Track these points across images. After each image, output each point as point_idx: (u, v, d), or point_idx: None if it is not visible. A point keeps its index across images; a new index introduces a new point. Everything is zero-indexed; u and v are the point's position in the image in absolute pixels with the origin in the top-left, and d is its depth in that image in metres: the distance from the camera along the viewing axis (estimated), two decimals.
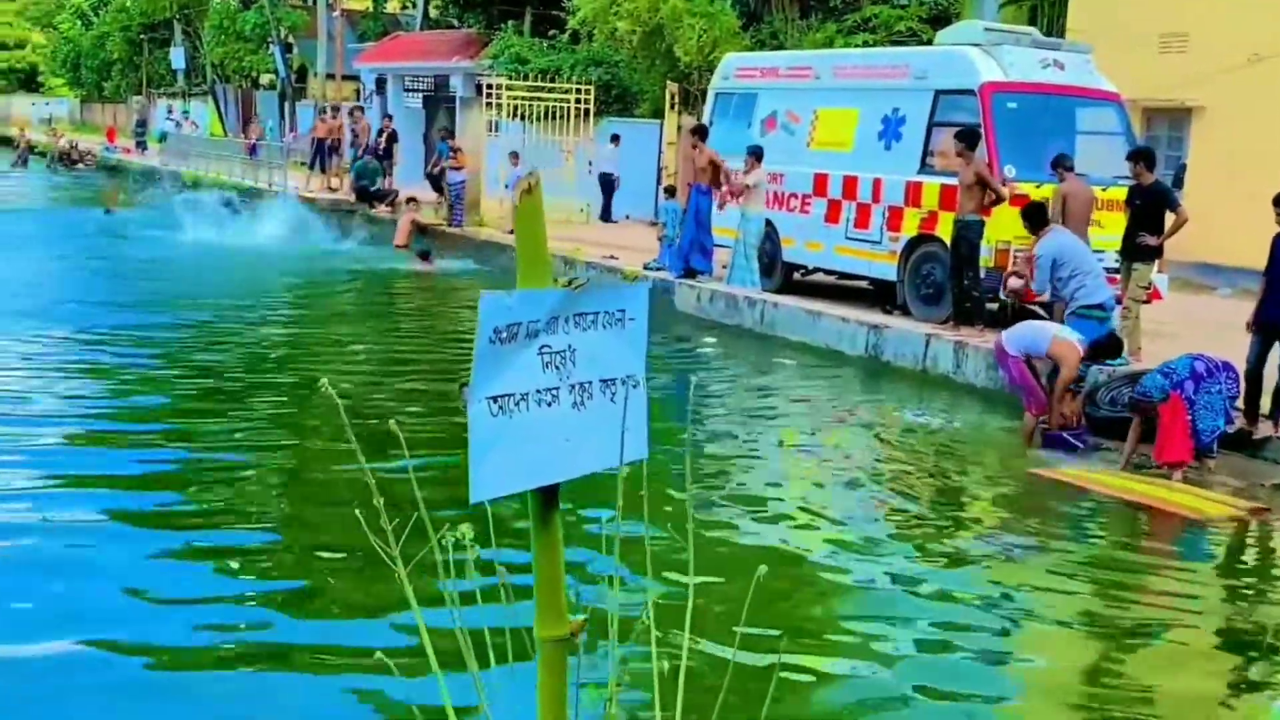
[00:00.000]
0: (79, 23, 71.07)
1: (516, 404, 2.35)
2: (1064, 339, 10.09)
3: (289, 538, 7.29)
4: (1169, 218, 11.98)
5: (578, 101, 24.99)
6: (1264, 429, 9.69)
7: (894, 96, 14.66)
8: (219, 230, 24.21)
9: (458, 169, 23.74)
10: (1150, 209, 12.00)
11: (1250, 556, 8.29)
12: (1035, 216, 11.47)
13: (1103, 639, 6.33)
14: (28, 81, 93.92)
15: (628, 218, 25.47)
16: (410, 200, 23.12)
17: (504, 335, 2.32)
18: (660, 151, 24.72)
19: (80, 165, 46.98)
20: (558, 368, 2.41)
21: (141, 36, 59.79)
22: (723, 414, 11.15)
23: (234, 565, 6.71)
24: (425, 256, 21.68)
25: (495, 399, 2.31)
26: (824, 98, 15.82)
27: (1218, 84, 17.04)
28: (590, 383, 2.47)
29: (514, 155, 23.20)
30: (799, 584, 6.76)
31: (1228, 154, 16.52)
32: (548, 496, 2.43)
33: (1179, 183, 15.50)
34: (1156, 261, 12.34)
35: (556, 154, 24.62)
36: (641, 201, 25.57)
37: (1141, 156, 12.16)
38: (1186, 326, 12.71)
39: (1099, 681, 5.85)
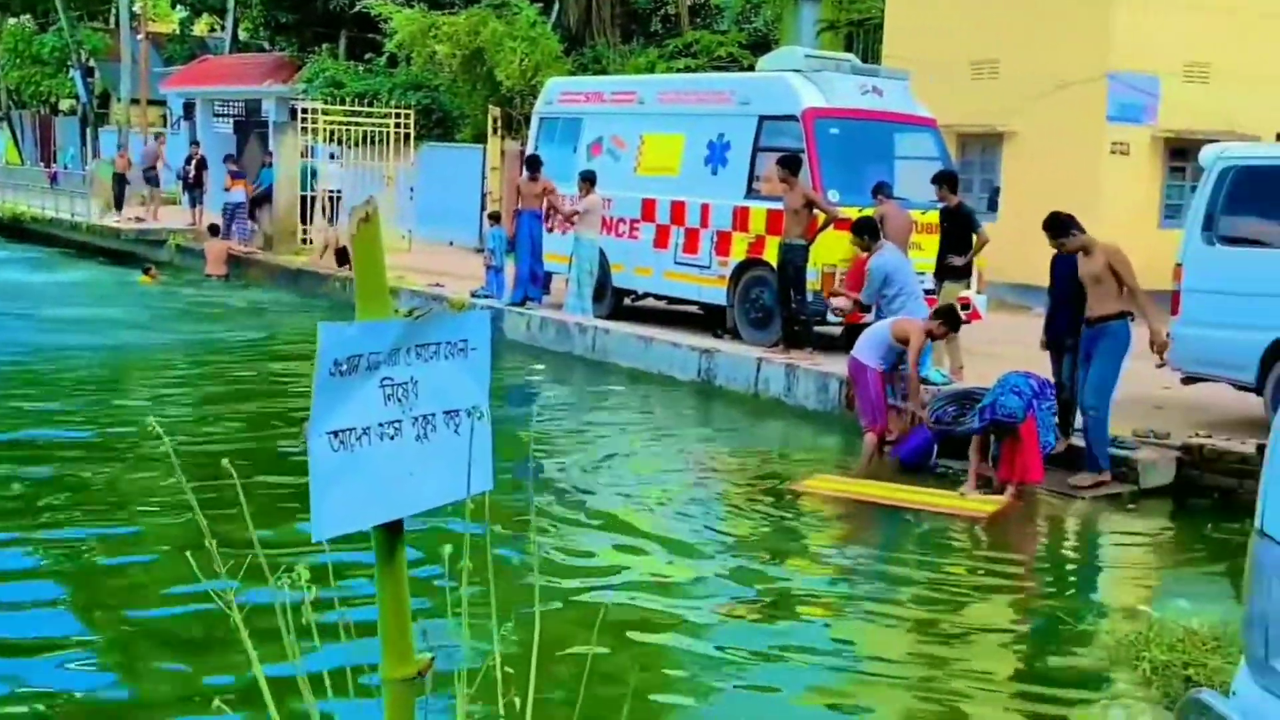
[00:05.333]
0: None
1: (358, 438, 2.27)
2: (902, 319, 10.26)
3: (112, 585, 6.79)
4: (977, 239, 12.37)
5: (397, 126, 24.53)
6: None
7: (719, 122, 14.71)
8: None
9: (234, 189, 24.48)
10: (956, 230, 12.38)
11: (1038, 551, 8.75)
12: (870, 230, 11.62)
13: (927, 646, 6.30)
14: None
15: (451, 244, 25.08)
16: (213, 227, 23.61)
17: (344, 368, 2.23)
18: (484, 177, 24.41)
19: None
20: (400, 400, 2.35)
21: None
22: (555, 442, 10.91)
23: (52, 617, 6.22)
24: (147, 271, 22.48)
25: (336, 434, 2.24)
26: (649, 123, 15.79)
27: (1027, 109, 17.62)
28: (434, 415, 2.42)
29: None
30: (636, 614, 6.56)
31: (1038, 177, 17.05)
32: (392, 532, 2.35)
33: (994, 205, 15.97)
34: (968, 280, 12.71)
35: (377, 180, 24.10)
36: (465, 227, 25.20)
37: (945, 179, 12.50)
38: (1007, 346, 13.00)
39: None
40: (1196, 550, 8.45)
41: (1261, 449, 3.15)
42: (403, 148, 24.64)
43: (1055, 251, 9.77)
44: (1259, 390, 10.03)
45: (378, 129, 24.47)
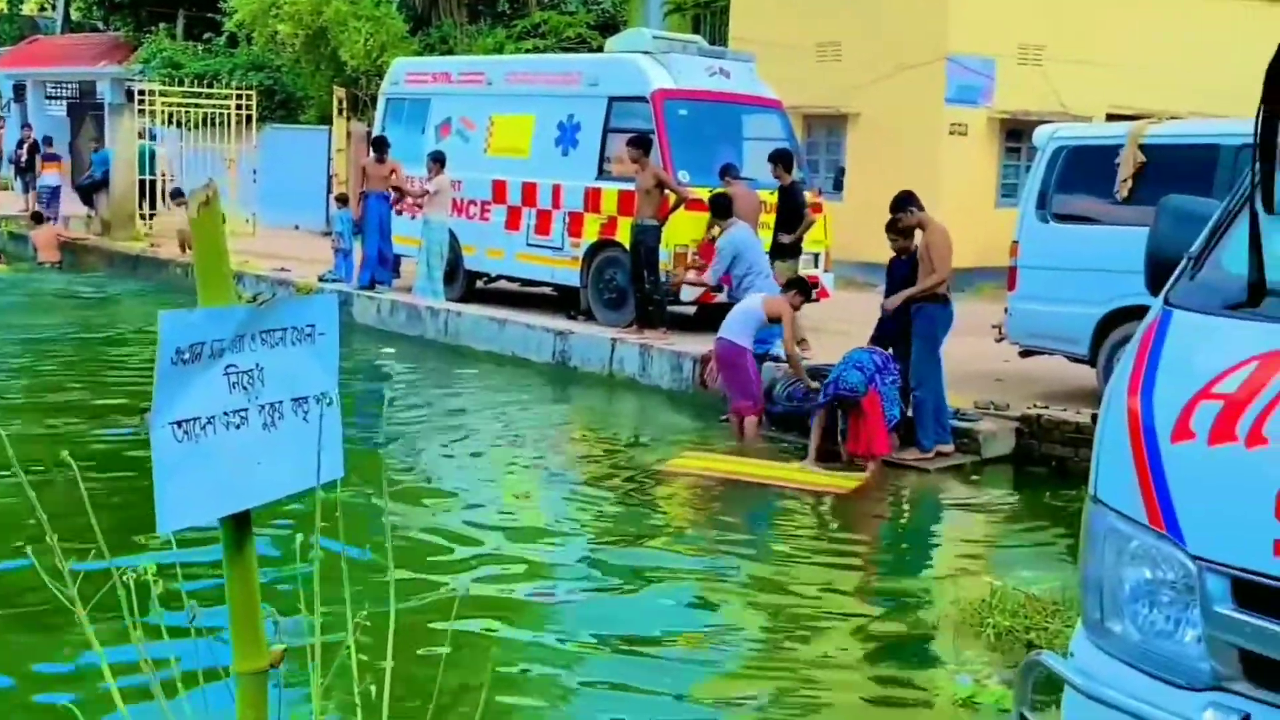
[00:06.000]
0: None
1: (203, 428, 2.24)
2: (768, 296, 10.42)
3: None
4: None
5: (239, 108, 23.90)
6: None
7: (569, 103, 14.67)
8: None
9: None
10: (789, 208, 12.62)
11: (886, 523, 8.94)
12: (723, 206, 11.70)
13: (771, 624, 6.42)
14: None
15: (297, 228, 24.55)
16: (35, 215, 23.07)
17: (186, 355, 2.19)
18: (329, 159, 23.92)
19: None
20: (246, 388, 2.32)
21: None
22: (406, 428, 10.78)
23: None
24: None
25: (180, 423, 2.20)
26: (499, 104, 15.67)
27: (870, 91, 17.96)
28: (281, 402, 2.40)
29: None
30: (494, 591, 6.55)
31: (881, 157, 17.40)
32: (240, 523, 2.33)
33: (839, 185, 16.28)
34: (799, 258, 12.91)
35: (218, 163, 23.46)
36: (311, 211, 24.68)
37: (779, 158, 12.77)
38: (853, 324, 13.26)
39: (770, 670, 5.87)
40: (1036, 518, 8.74)
41: (1095, 418, 3.28)
42: (244, 130, 24.04)
43: (893, 255, 9.96)
44: (1092, 362, 10.41)
45: (218, 111, 23.83)
